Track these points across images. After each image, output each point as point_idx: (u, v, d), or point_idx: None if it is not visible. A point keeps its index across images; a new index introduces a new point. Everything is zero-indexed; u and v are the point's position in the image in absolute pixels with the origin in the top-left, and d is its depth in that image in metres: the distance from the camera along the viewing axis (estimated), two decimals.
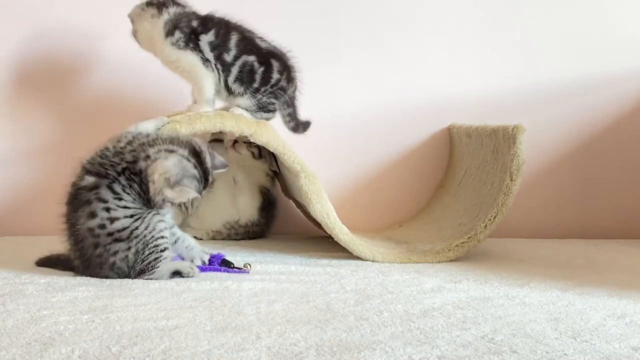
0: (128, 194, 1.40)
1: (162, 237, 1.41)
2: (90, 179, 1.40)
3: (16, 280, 1.43)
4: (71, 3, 2.10)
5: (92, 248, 1.39)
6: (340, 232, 1.71)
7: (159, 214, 1.42)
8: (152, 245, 1.39)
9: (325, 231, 1.76)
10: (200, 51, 1.72)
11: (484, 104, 2.22)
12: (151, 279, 1.42)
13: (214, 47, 1.72)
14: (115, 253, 1.38)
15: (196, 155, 1.44)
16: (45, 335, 1.03)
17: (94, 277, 1.42)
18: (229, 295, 1.32)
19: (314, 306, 1.23)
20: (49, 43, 2.09)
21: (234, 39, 1.74)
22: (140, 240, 1.39)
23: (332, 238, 1.74)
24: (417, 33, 2.21)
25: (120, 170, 1.40)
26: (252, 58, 1.75)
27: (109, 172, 1.40)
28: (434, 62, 2.21)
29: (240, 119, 1.69)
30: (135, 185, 1.40)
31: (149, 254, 1.40)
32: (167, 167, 1.39)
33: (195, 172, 1.43)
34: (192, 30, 1.72)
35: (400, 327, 1.10)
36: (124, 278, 1.41)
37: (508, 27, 2.23)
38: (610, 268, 1.68)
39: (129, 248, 1.39)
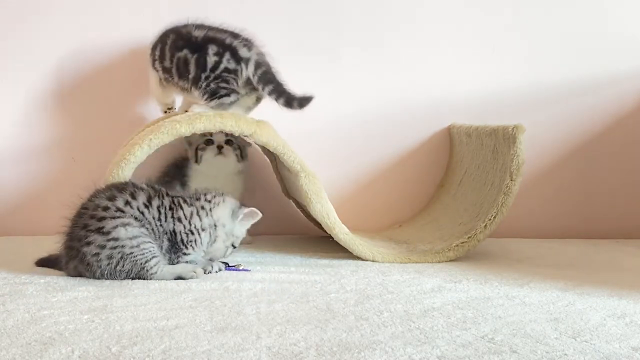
0: (160, 212, 1.45)
1: (143, 252, 1.39)
2: (144, 185, 1.49)
3: (16, 280, 1.43)
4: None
5: (79, 228, 1.39)
6: (340, 231, 1.72)
7: (150, 239, 1.43)
8: (130, 260, 1.38)
9: (325, 231, 1.76)
10: (157, 70, 1.85)
11: (484, 104, 2.22)
12: (152, 279, 1.42)
13: (157, 60, 1.83)
14: (89, 244, 1.37)
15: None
16: (45, 335, 1.03)
17: (69, 267, 1.42)
18: (229, 295, 1.32)
19: (314, 306, 1.24)
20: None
21: (169, 42, 1.80)
22: (117, 249, 1.37)
23: (332, 238, 1.74)
24: (417, 33, 2.21)
25: (172, 194, 1.51)
26: (183, 52, 1.77)
27: (161, 189, 1.50)
28: (434, 62, 2.21)
29: (240, 119, 1.69)
30: (180, 211, 1.48)
31: (130, 267, 1.39)
32: (226, 204, 1.54)
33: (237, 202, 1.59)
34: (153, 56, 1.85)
35: (400, 327, 1.10)
36: (93, 277, 1.40)
37: (508, 27, 2.23)
38: (610, 268, 1.68)
39: (104, 246, 1.37)
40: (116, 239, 1.37)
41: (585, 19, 2.24)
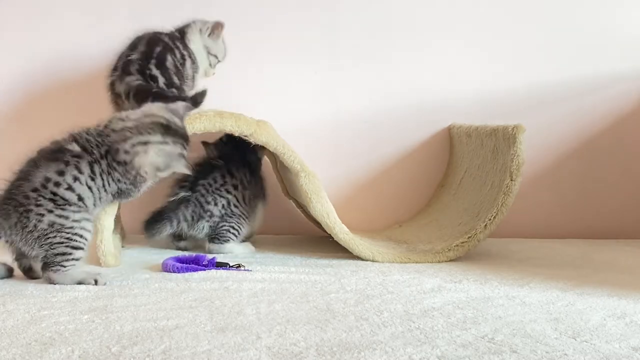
0: (103, 179, 1.41)
1: (82, 235, 1.38)
2: (76, 148, 1.41)
3: (16, 280, 1.43)
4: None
5: (27, 190, 1.36)
6: (340, 231, 1.72)
7: (89, 217, 1.41)
8: (65, 235, 1.36)
9: (325, 231, 1.76)
10: None
11: (484, 104, 2.22)
12: (53, 282, 1.38)
13: None
14: (38, 205, 1.34)
15: (167, 129, 1.46)
16: (45, 335, 1.03)
17: None
18: (229, 295, 1.32)
19: (314, 306, 1.24)
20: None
21: None
22: (61, 216, 1.36)
23: (332, 238, 1.74)
24: (418, 33, 2.21)
25: (103, 153, 1.42)
26: None
27: (94, 151, 1.42)
28: (434, 62, 2.21)
29: (240, 119, 1.69)
30: (116, 174, 1.43)
31: (58, 243, 1.36)
32: (151, 160, 1.44)
33: (177, 149, 1.47)
34: None
35: (400, 327, 1.10)
36: (17, 233, 1.36)
37: (508, 27, 2.23)
38: (610, 268, 1.68)
39: (51, 211, 1.35)
40: (64, 209, 1.36)
41: (585, 19, 2.24)
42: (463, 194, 2.00)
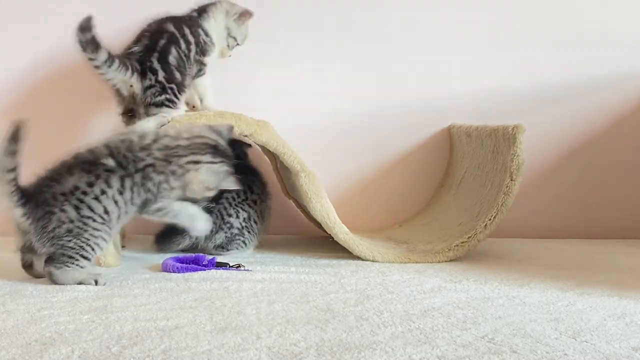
0: (133, 192, 1.43)
1: (93, 248, 1.40)
2: (111, 162, 1.42)
3: (16, 280, 1.43)
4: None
5: (56, 194, 1.38)
6: (340, 231, 1.72)
7: (106, 237, 1.43)
8: (79, 243, 1.38)
9: (325, 231, 1.77)
10: None
11: (484, 104, 2.22)
12: (54, 281, 1.39)
13: None
14: (63, 211, 1.37)
15: (216, 149, 1.50)
16: (45, 335, 1.04)
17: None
18: (229, 295, 1.32)
19: (314, 306, 1.24)
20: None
21: None
22: (82, 228, 1.38)
23: (332, 238, 1.74)
24: (418, 33, 2.21)
25: (141, 167, 1.44)
26: None
27: (129, 166, 1.43)
28: (434, 62, 2.21)
29: (240, 119, 1.69)
30: (149, 183, 1.44)
31: (69, 247, 1.37)
32: (202, 179, 1.47)
33: (225, 168, 1.50)
34: None
35: (400, 327, 1.10)
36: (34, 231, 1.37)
37: (508, 27, 2.23)
38: (610, 268, 1.68)
39: (72, 221, 1.37)
40: (86, 223, 1.38)
41: (585, 18, 2.24)
42: (463, 194, 2.00)
